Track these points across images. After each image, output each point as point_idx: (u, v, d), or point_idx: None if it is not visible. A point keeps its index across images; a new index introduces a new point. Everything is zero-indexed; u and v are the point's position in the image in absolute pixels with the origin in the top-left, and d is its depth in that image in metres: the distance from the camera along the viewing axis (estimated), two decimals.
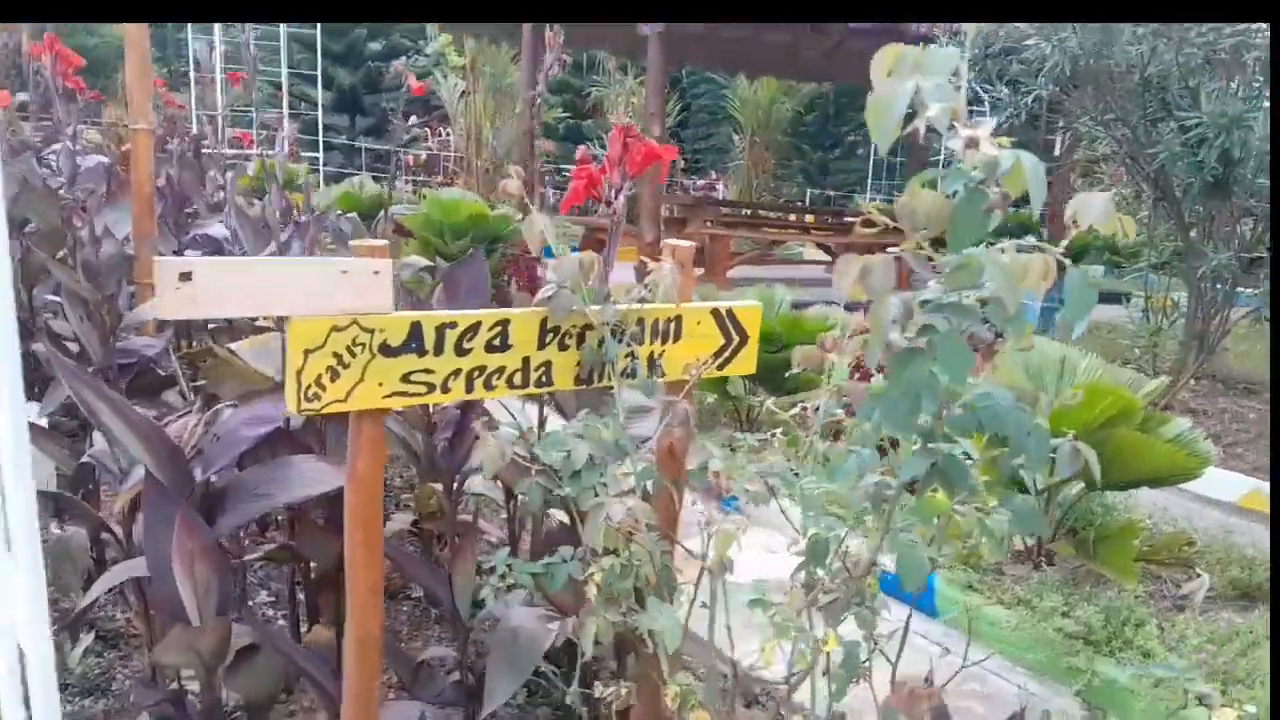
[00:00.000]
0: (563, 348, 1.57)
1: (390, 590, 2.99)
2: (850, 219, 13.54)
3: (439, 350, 1.44)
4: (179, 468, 1.96)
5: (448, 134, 13.98)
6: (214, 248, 4.11)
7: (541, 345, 1.54)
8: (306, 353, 1.33)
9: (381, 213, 5.00)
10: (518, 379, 1.54)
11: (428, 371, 1.44)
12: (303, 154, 12.83)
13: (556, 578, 1.32)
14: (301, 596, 2.53)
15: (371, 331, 1.38)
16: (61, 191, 4.05)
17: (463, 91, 11.84)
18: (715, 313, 1.69)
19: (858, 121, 22.75)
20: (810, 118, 21.06)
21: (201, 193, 4.92)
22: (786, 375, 2.56)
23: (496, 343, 1.50)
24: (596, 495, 1.22)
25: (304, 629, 2.47)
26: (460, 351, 1.47)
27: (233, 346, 2.90)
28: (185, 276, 1.24)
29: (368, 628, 1.52)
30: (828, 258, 12.28)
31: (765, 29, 10.79)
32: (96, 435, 2.89)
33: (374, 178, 10.43)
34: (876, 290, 0.87)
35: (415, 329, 1.42)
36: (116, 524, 2.24)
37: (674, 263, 1.61)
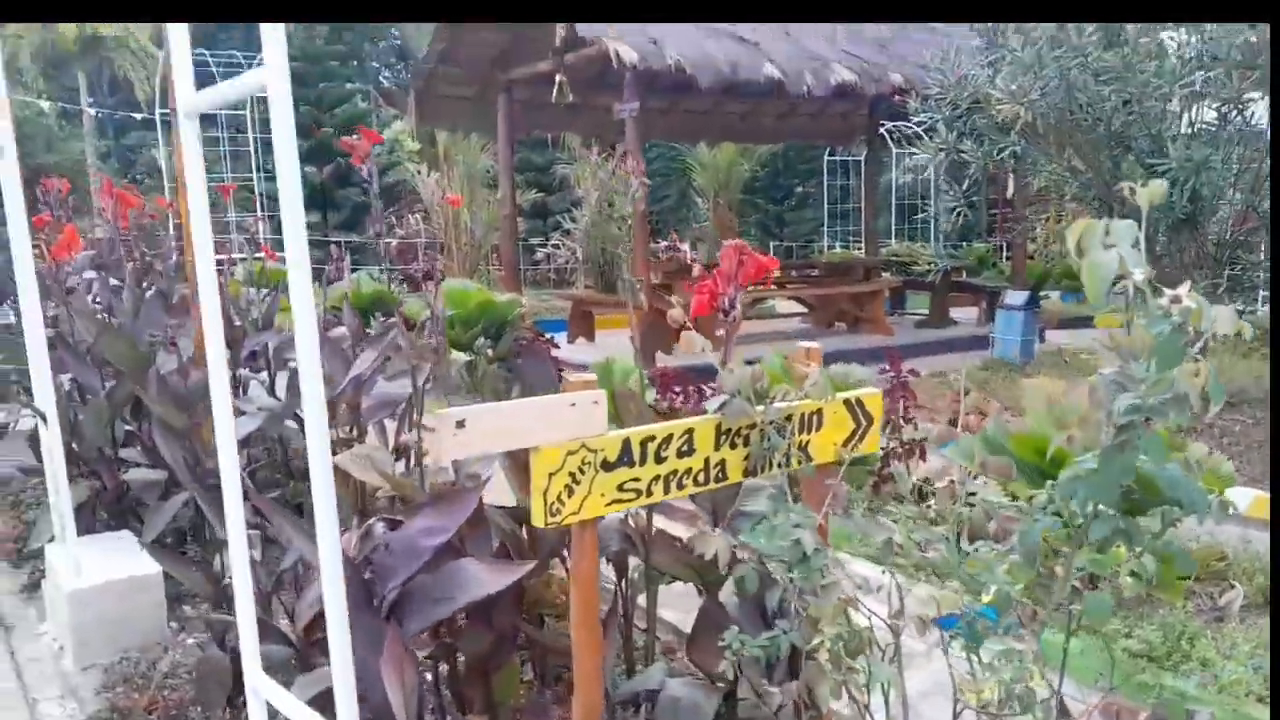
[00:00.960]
0: (733, 446, 1.82)
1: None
2: (816, 272, 14.02)
3: (643, 461, 1.70)
4: (359, 579, 2.16)
5: (418, 221, 14.25)
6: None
7: (717, 446, 1.80)
8: (550, 475, 1.57)
9: (428, 314, 5.22)
10: (701, 477, 1.79)
11: (636, 480, 1.69)
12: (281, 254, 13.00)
13: (781, 647, 1.56)
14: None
15: (595, 451, 1.62)
16: (120, 322, 4.24)
17: (438, 179, 12.21)
18: (847, 402, 1.96)
19: (807, 173, 23.49)
20: (763, 173, 21.74)
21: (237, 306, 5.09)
22: None
23: (684, 448, 1.75)
24: (824, 576, 1.46)
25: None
26: (658, 460, 1.72)
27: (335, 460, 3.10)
28: (460, 424, 1.49)
29: (592, 699, 1.75)
30: (803, 308, 12.68)
31: (725, 100, 11.30)
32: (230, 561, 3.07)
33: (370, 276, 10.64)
34: (1105, 405, 1.14)
35: (626, 445, 1.67)
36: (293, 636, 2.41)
37: (812, 365, 1.88)
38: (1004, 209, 16.82)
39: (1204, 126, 5.28)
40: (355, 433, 3.70)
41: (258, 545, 2.96)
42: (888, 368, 4.87)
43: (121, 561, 3.32)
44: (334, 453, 3.65)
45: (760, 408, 1.78)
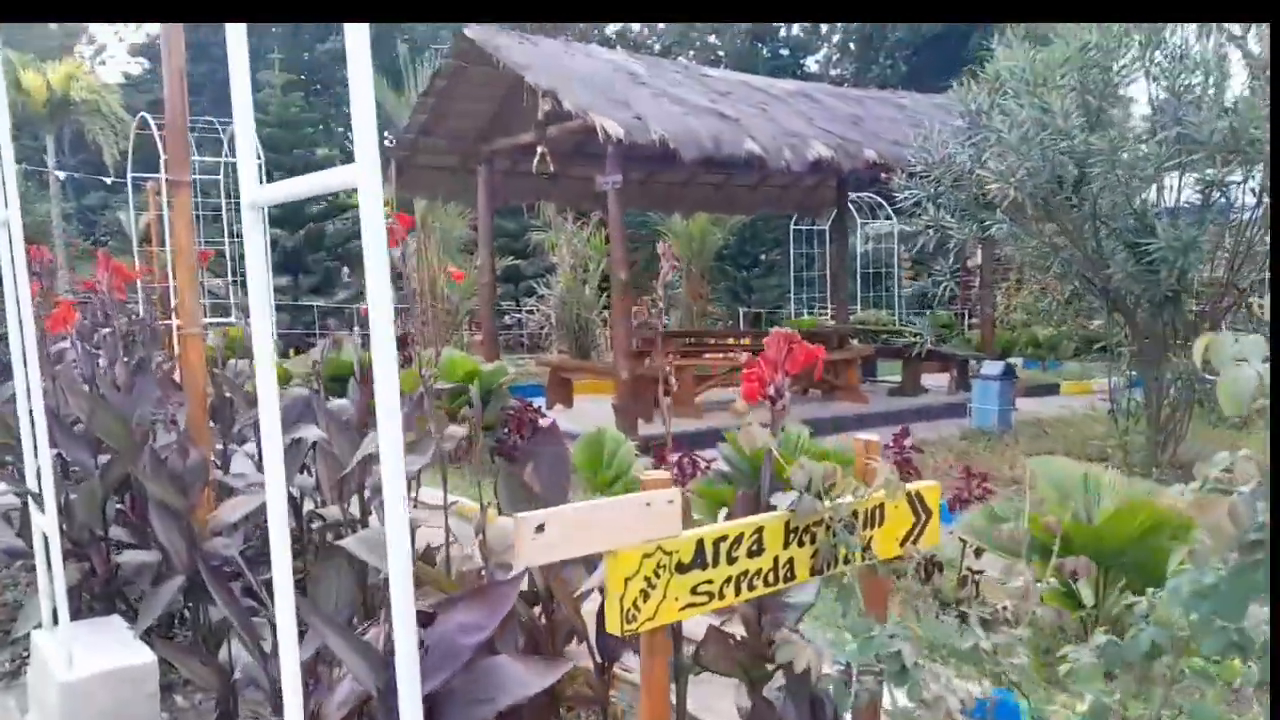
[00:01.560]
0: (800, 544, 1.78)
1: None
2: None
3: (716, 562, 1.64)
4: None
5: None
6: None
7: (786, 545, 1.75)
8: (626, 580, 1.52)
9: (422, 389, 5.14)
10: (770, 578, 1.74)
11: (709, 582, 1.64)
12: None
13: None
14: None
15: (671, 554, 1.57)
16: (104, 394, 4.11)
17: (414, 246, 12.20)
18: (908, 496, 1.93)
19: (773, 241, 23.80)
20: (732, 241, 22.03)
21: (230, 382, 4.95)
22: None
23: (754, 548, 1.70)
24: (922, 689, 1.42)
25: None
26: (730, 560, 1.67)
27: (342, 543, 3.01)
28: (540, 528, 1.43)
29: None
30: None
31: (702, 172, 11.46)
32: (235, 651, 2.95)
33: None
34: (1243, 524, 1.13)
35: (699, 546, 1.62)
36: None
37: (876, 459, 1.85)
38: (965, 277, 17.21)
39: (1186, 204, 5.43)
40: (360, 513, 3.60)
41: (268, 635, 2.84)
42: (890, 444, 4.88)
43: (113, 650, 3.16)
44: (339, 535, 3.54)
45: (828, 504, 1.75)
